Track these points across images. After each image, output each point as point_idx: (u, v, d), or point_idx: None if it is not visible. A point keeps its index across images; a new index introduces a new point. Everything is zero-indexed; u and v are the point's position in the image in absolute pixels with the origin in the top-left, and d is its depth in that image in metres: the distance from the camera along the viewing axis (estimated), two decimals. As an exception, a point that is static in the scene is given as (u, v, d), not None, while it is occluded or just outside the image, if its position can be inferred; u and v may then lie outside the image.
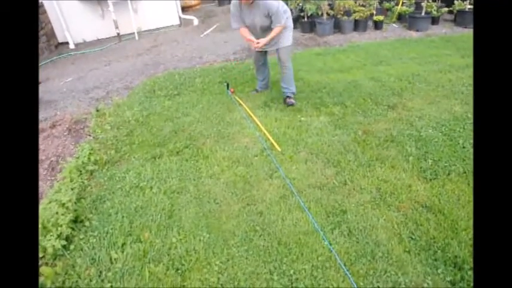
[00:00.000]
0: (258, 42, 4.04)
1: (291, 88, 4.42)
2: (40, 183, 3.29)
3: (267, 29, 4.01)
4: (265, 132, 3.71)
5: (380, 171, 3.05)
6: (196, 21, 9.69)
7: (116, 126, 4.14)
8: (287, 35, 4.14)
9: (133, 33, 8.84)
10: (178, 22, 9.67)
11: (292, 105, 4.29)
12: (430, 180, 2.89)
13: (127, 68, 6.47)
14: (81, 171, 3.24)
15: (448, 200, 2.68)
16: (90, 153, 3.47)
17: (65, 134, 4.08)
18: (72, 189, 2.94)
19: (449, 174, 2.94)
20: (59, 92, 5.66)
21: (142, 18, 9.24)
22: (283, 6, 3.92)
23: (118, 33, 8.65)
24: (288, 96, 4.39)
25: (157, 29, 9.40)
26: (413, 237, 2.40)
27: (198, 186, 3.01)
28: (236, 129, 3.87)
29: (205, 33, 8.60)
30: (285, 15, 3.95)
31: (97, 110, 4.53)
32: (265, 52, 4.51)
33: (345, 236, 2.43)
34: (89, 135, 4.01)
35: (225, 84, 4.90)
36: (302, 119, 3.95)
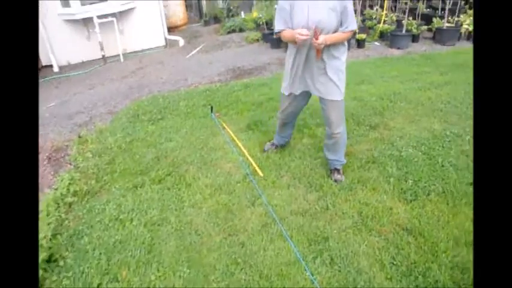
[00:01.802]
0: (316, 37, 2.59)
1: (341, 159, 3.27)
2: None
3: (334, 23, 2.67)
4: (248, 157, 3.70)
5: (362, 194, 3.06)
6: (182, 42, 9.75)
7: (98, 153, 4.10)
8: (342, 78, 2.93)
9: (119, 55, 8.85)
10: (164, 43, 9.71)
11: (340, 181, 3.23)
12: (411, 201, 2.92)
13: (111, 92, 6.45)
14: (59, 203, 3.17)
15: (428, 221, 2.70)
16: (69, 183, 3.41)
17: (45, 163, 4.01)
18: (48, 224, 2.84)
19: (428, 194, 2.97)
20: (41, 117, 5.59)
21: (128, 40, 9.26)
22: None
23: (103, 55, 8.65)
24: (335, 169, 3.29)
25: (143, 50, 9.42)
26: (394, 262, 2.40)
27: (179, 216, 2.98)
28: (219, 155, 3.86)
29: (190, 54, 8.65)
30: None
31: (79, 137, 4.49)
32: (302, 106, 3.37)
33: (327, 265, 2.42)
34: (70, 164, 3.96)
35: (209, 107, 4.91)
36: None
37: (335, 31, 2.69)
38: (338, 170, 3.29)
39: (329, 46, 2.74)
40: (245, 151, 3.81)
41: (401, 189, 3.06)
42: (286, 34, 2.82)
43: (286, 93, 3.19)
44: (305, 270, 2.38)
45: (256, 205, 3.04)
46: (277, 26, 2.88)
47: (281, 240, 2.65)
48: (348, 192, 3.10)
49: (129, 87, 6.62)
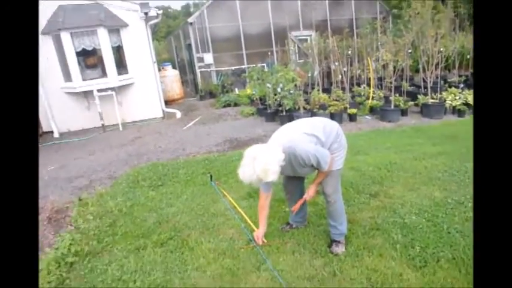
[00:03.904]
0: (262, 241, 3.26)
1: (340, 227, 3.23)
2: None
3: (314, 169, 3.04)
4: (250, 223, 3.69)
5: (368, 260, 3.02)
6: (179, 114, 10.07)
7: (99, 216, 4.04)
8: (335, 155, 3.04)
9: (118, 124, 9.07)
10: (161, 115, 10.03)
11: (337, 255, 3.13)
12: (420, 268, 2.87)
13: (111, 158, 6.50)
14: (59, 263, 3.08)
15: (441, 288, 2.65)
16: (70, 243, 3.35)
17: (45, 223, 3.94)
18: (48, 282, 2.77)
19: (438, 261, 2.93)
20: (41, 179, 5.58)
21: (127, 110, 9.57)
22: (324, 129, 3.00)
23: (103, 124, 8.86)
24: (334, 241, 3.24)
25: (141, 120, 9.68)
26: (409, 331, 2.32)
27: (183, 279, 2.89)
28: (221, 221, 3.84)
29: (187, 125, 8.90)
30: (331, 138, 3.00)
31: (80, 199, 4.46)
32: (302, 181, 3.48)
33: (339, 331, 2.33)
34: (70, 225, 3.89)
35: (209, 175, 4.96)
36: (286, 209, 3.97)
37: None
38: (337, 242, 3.23)
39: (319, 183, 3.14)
40: (247, 218, 3.80)
41: (409, 255, 3.03)
42: (261, 204, 3.24)
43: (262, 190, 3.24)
44: (318, 336, 2.28)
45: (261, 270, 2.97)
46: (264, 189, 3.17)
47: (290, 305, 2.56)
48: (355, 258, 3.06)
49: (128, 154, 6.69)
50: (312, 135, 2.92)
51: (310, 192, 3.17)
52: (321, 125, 3.02)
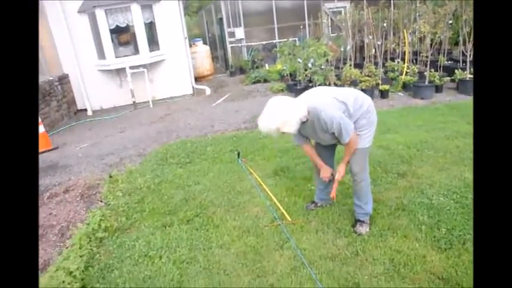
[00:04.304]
0: (332, 175, 3.20)
1: (365, 207, 3.19)
2: (49, 249, 3.30)
3: (335, 138, 2.99)
4: (276, 201, 3.71)
5: (392, 241, 2.98)
6: (208, 91, 10.12)
7: (128, 193, 4.19)
8: (363, 133, 2.99)
9: (148, 101, 9.24)
10: (191, 91, 10.11)
11: (360, 234, 3.11)
12: (445, 250, 2.82)
13: (141, 135, 6.67)
14: (90, 238, 3.25)
15: (466, 271, 2.58)
16: (100, 219, 3.50)
17: (77, 199, 4.14)
18: (80, 256, 2.93)
19: (464, 243, 2.86)
20: (75, 157, 5.83)
21: (158, 88, 9.71)
22: (356, 101, 2.90)
23: (134, 102, 9.06)
24: (359, 220, 3.22)
25: (171, 97, 9.81)
26: (430, 312, 2.30)
27: (208, 256, 2.98)
28: (246, 198, 3.88)
29: (217, 102, 8.94)
30: (359, 112, 2.92)
31: (110, 176, 4.62)
32: (332, 147, 3.36)
33: (359, 311, 2.34)
34: (101, 201, 4.06)
35: (236, 153, 5.00)
36: (312, 187, 3.97)
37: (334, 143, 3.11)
38: (361, 222, 3.20)
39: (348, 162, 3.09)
40: (272, 196, 3.83)
41: (434, 237, 2.97)
42: (305, 150, 3.26)
43: (296, 144, 3.37)
44: (337, 315, 2.30)
45: (284, 248, 3.01)
46: (295, 141, 3.26)
47: (311, 283, 2.59)
48: (378, 238, 3.03)
49: (158, 131, 6.84)
50: (341, 103, 2.84)
51: (340, 172, 3.11)
52: (353, 96, 2.93)
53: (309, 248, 2.98)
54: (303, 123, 2.83)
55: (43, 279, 2.65)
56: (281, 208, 3.57)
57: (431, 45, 8.20)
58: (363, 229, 3.15)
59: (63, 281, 2.58)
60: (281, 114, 2.69)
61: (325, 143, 3.16)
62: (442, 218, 3.21)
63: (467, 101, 6.93)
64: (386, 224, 3.21)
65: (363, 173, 3.13)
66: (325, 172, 3.23)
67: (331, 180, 3.31)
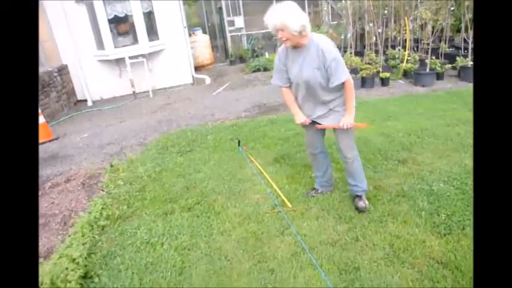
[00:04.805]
0: (310, 122, 3.13)
1: (361, 185, 3.29)
2: (51, 237, 3.33)
3: (315, 90, 2.97)
4: (276, 188, 3.73)
5: (392, 226, 3.00)
6: (208, 80, 10.09)
7: (129, 181, 4.21)
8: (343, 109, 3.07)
9: (148, 91, 9.22)
10: (191, 81, 10.08)
11: (363, 210, 3.22)
12: (445, 235, 2.84)
13: (141, 125, 6.68)
14: (92, 226, 3.28)
15: (465, 255, 2.60)
16: (102, 208, 3.53)
17: (79, 188, 4.16)
18: (83, 244, 2.96)
19: (463, 229, 2.88)
20: (75, 147, 5.84)
21: (157, 77, 9.67)
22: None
23: (134, 91, 9.04)
24: (357, 196, 3.32)
25: (171, 87, 9.78)
26: (430, 296, 2.32)
27: (209, 242, 3.00)
28: (247, 186, 3.90)
29: (217, 91, 8.92)
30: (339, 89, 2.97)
31: (111, 166, 4.64)
32: (322, 133, 3.35)
33: (359, 295, 2.37)
34: (102, 190, 4.08)
35: (237, 141, 5.00)
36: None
37: (323, 85, 2.92)
38: (360, 197, 3.30)
39: (329, 102, 3.04)
40: (273, 183, 3.84)
41: (434, 223, 2.99)
42: (284, 94, 3.20)
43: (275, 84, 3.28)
44: (337, 299, 2.33)
45: (285, 234, 3.03)
46: (275, 80, 3.20)
47: (311, 268, 2.61)
48: (378, 224, 3.05)
49: (158, 121, 6.84)
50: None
51: (346, 123, 3.02)
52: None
53: (310, 234, 3.00)
54: (296, 50, 2.86)
55: (47, 266, 2.68)
56: (281, 195, 3.59)
57: (432, 32, 8.14)
58: (363, 203, 3.25)
59: (67, 268, 2.61)
60: (288, 10, 2.72)
61: (308, 88, 3.00)
62: (441, 204, 3.23)
63: (468, 88, 6.90)
64: (387, 210, 3.22)
65: (353, 151, 3.22)
66: (299, 119, 3.17)
67: (328, 168, 3.47)
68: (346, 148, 3.19)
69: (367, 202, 3.28)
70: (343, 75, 2.82)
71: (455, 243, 2.73)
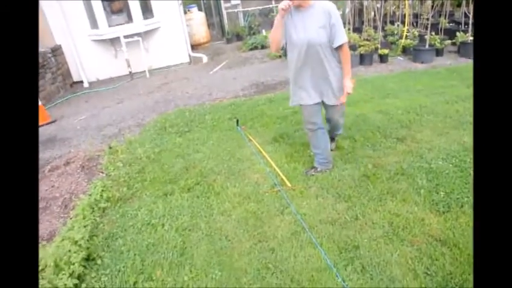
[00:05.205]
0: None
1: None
2: (53, 220, 3.34)
3: (314, 54, 3.08)
4: (276, 168, 3.73)
5: (391, 204, 3.03)
6: (205, 59, 9.96)
7: (128, 163, 4.21)
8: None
9: (145, 71, 9.11)
10: (188, 60, 9.95)
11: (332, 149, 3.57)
12: (443, 213, 2.86)
13: (138, 106, 6.63)
14: (93, 208, 3.30)
15: (463, 233, 2.63)
16: (102, 190, 3.54)
17: (78, 171, 4.15)
18: (84, 226, 2.99)
19: (462, 206, 2.91)
20: (73, 129, 5.81)
21: (154, 57, 9.54)
22: None
23: (130, 72, 8.92)
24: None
25: (168, 66, 9.66)
26: (428, 272, 2.36)
27: (209, 223, 3.03)
28: (246, 166, 3.90)
29: (214, 70, 8.82)
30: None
31: (110, 147, 4.62)
32: (319, 109, 3.41)
33: (359, 272, 2.40)
34: (102, 173, 4.08)
35: (235, 120, 4.98)
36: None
37: (324, 46, 3.06)
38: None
39: (330, 61, 3.18)
40: (272, 162, 3.84)
41: (433, 200, 3.01)
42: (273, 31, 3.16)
43: (292, 105, 3.49)
44: (336, 276, 2.36)
45: (285, 214, 3.05)
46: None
47: (311, 247, 2.64)
48: (378, 202, 3.07)
49: (156, 101, 6.78)
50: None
51: (347, 86, 3.27)
52: None
53: (309, 213, 3.03)
54: (300, 11, 3.00)
55: (50, 249, 2.70)
56: (281, 174, 3.60)
57: (432, 6, 8.01)
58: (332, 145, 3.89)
59: (70, 250, 2.63)
60: None
61: (308, 49, 3.07)
62: (440, 181, 3.24)
63: (467, 64, 6.84)
64: (386, 188, 3.24)
65: (342, 120, 3.65)
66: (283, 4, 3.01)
67: (326, 145, 3.60)
68: (339, 116, 3.51)
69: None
70: (344, 37, 3.05)
71: (453, 221, 2.76)
